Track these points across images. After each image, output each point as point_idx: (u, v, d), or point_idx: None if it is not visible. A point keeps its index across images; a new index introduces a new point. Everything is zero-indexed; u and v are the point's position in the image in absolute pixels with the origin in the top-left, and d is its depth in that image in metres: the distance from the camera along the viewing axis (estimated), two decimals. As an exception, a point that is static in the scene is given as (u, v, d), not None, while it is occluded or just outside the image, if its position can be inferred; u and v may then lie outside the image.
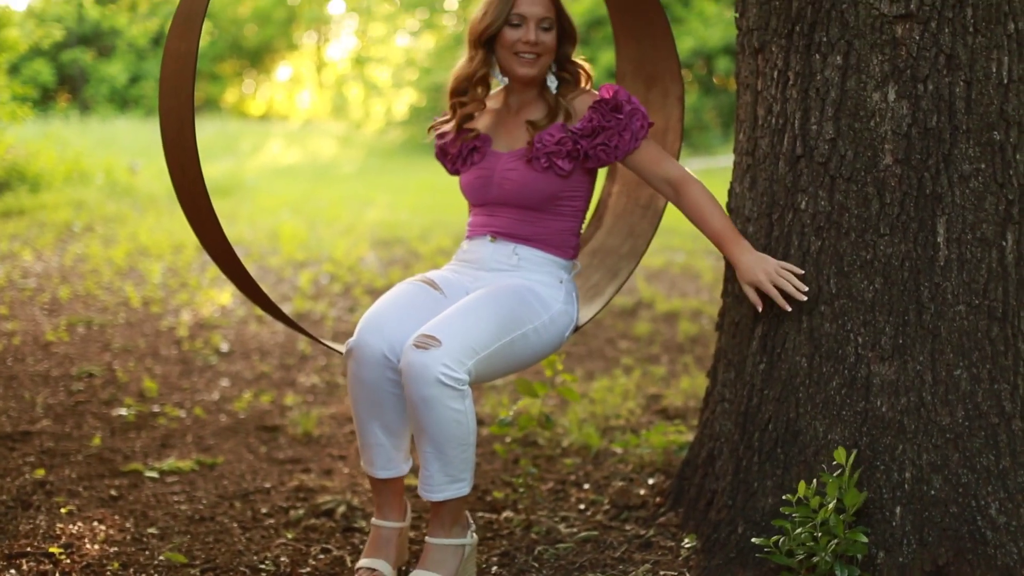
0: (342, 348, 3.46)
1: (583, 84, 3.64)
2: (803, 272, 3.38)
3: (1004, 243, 3.31)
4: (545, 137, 3.49)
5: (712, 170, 18.66)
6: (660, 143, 3.87)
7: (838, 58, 3.35)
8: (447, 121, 3.72)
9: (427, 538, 3.39)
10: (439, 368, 3.15)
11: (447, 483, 3.31)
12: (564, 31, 3.58)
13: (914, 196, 3.28)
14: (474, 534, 3.47)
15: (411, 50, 30.83)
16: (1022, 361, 3.34)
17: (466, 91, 3.67)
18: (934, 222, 3.28)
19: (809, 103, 3.40)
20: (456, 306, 3.37)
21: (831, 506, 3.12)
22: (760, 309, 3.41)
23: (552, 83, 3.58)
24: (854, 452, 3.22)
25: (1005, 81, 3.29)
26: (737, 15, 3.72)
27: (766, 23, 3.53)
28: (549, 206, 3.56)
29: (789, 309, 3.35)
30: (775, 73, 3.51)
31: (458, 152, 3.69)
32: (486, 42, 3.58)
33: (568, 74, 3.60)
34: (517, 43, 3.53)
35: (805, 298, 3.34)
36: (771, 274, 3.38)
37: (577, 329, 3.69)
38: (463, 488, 3.33)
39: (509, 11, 3.52)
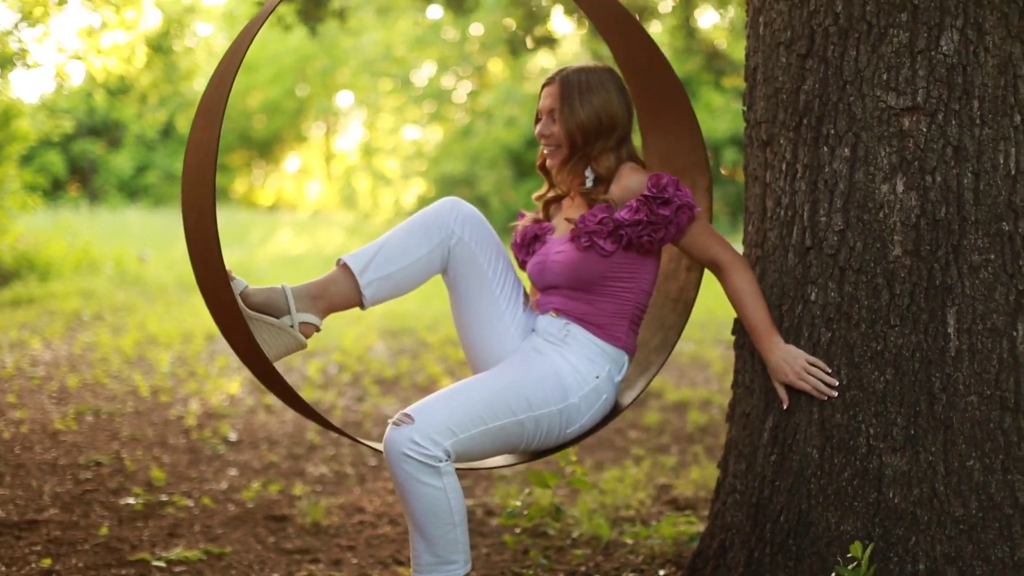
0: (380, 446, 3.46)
1: (620, 179, 3.60)
2: (829, 369, 3.40)
3: (1015, 333, 3.31)
4: (588, 217, 3.50)
5: (719, 260, 18.73)
6: None
7: (846, 150, 3.37)
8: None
9: None
10: (407, 444, 3.20)
11: (435, 564, 3.30)
12: (582, 127, 3.59)
13: (924, 287, 3.29)
14: None
15: (419, 141, 31.05)
16: (1035, 452, 3.33)
17: (543, 173, 3.79)
18: (944, 313, 3.29)
19: (818, 195, 3.42)
20: (453, 385, 3.42)
21: (845, 599, 3.10)
22: (785, 405, 3.45)
23: (590, 180, 3.60)
24: (870, 546, 3.19)
25: (1013, 172, 3.31)
26: (745, 108, 3.75)
27: (774, 116, 3.56)
28: (596, 287, 3.55)
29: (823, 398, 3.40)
30: (783, 165, 3.53)
31: (522, 240, 3.77)
32: None
33: (598, 172, 3.61)
34: (539, 137, 3.62)
35: (835, 394, 3.38)
36: (800, 373, 3.43)
37: (591, 433, 3.64)
38: (455, 570, 3.32)
39: (537, 106, 3.65)
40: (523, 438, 3.44)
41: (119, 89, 20.34)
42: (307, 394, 7.92)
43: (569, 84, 3.56)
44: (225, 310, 3.28)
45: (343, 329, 11.23)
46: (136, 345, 9.95)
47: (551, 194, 3.76)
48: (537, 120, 3.66)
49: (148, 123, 26.09)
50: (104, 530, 4.72)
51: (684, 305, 3.90)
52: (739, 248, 3.66)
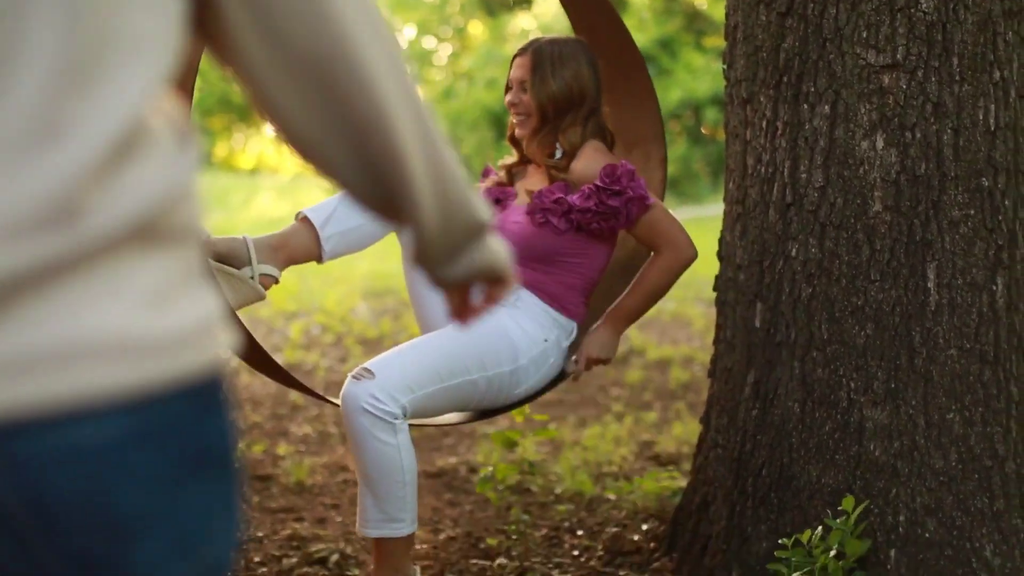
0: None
1: (581, 158, 3.63)
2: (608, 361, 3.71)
3: (995, 287, 3.34)
4: (545, 193, 3.56)
5: (701, 219, 18.68)
6: None
7: (826, 108, 3.39)
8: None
9: None
10: (366, 398, 3.23)
11: (382, 520, 3.35)
12: (553, 98, 3.61)
13: (904, 243, 3.32)
14: None
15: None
16: (1014, 404, 3.37)
17: (513, 144, 3.85)
18: (924, 268, 3.31)
19: (798, 152, 3.44)
20: (410, 342, 3.49)
21: (832, 553, 3.13)
22: (575, 378, 3.72)
23: (559, 152, 3.63)
24: (865, 502, 3.22)
25: (992, 128, 3.33)
26: (725, 67, 3.76)
27: (754, 74, 3.57)
28: (551, 260, 3.61)
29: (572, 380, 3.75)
30: (764, 123, 3.55)
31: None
32: None
33: (562, 147, 3.64)
34: (509, 106, 3.68)
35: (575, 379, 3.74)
36: (598, 360, 3.68)
37: (536, 396, 3.76)
38: (401, 529, 3.36)
39: (508, 76, 3.70)
40: (475, 397, 3.51)
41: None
42: (289, 355, 7.93)
43: (541, 55, 3.59)
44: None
45: (325, 290, 11.24)
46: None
47: (503, 164, 3.84)
48: (508, 89, 3.70)
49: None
50: (89, 491, 4.73)
51: (632, 273, 3.95)
52: (718, 207, 3.68)
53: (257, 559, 4.03)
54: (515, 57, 3.67)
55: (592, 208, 3.49)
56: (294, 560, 4.00)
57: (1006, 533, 3.28)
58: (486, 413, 3.71)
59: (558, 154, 3.61)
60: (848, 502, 3.17)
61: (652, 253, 3.65)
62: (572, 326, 3.70)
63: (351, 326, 9.31)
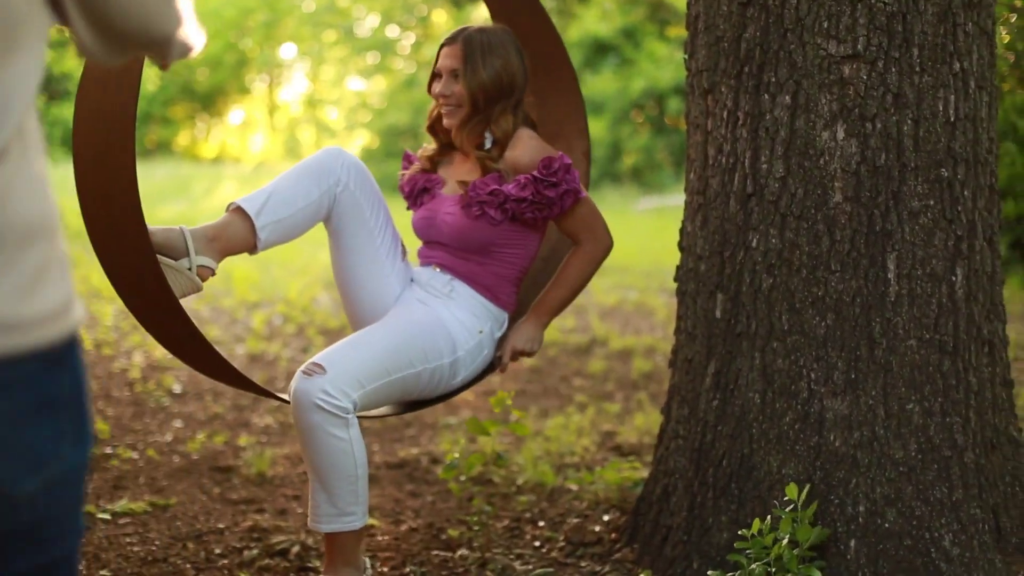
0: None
1: (515, 147, 3.64)
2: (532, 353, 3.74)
3: (954, 278, 3.35)
4: (479, 186, 3.58)
5: (664, 208, 18.75)
6: None
7: (787, 98, 3.39)
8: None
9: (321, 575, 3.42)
10: (318, 394, 3.23)
11: (334, 515, 3.36)
12: (484, 87, 3.61)
13: (864, 233, 3.32)
14: None
15: (363, 92, 30.85)
16: (973, 394, 3.38)
17: (432, 134, 3.84)
18: (884, 258, 3.32)
19: (759, 142, 3.44)
20: (353, 336, 3.47)
21: (785, 542, 3.14)
22: (501, 370, 3.73)
23: (489, 140, 3.64)
24: (807, 487, 3.24)
25: (952, 119, 3.34)
26: (687, 56, 3.76)
27: (715, 64, 3.57)
28: (485, 251, 3.64)
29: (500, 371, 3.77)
30: (725, 113, 3.55)
31: (410, 191, 3.80)
32: None
33: (494, 135, 3.64)
34: (438, 96, 3.66)
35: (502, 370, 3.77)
36: (521, 352, 3.71)
37: (468, 387, 3.78)
38: (353, 522, 3.37)
39: (435, 66, 3.69)
40: (416, 388, 3.55)
41: (59, 43, 20.09)
42: (251, 345, 7.90)
43: (472, 44, 3.60)
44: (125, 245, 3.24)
45: (288, 280, 11.20)
46: (79, 298, 9.89)
47: (424, 153, 3.85)
48: (433, 79, 3.70)
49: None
50: (48, 482, 4.69)
51: (556, 264, 3.99)
52: (681, 197, 3.69)
53: (218, 551, 4.02)
54: (442, 47, 3.67)
55: (528, 198, 3.52)
56: (255, 552, 3.98)
57: (965, 523, 3.30)
58: (416, 404, 3.72)
59: (487, 143, 3.62)
60: (792, 490, 3.17)
61: (573, 245, 3.70)
62: (504, 317, 3.75)
63: (313, 316, 9.27)
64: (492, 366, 3.78)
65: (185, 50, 1.95)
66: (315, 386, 3.24)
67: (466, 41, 3.60)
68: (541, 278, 3.96)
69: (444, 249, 3.68)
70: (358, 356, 3.34)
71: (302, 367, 3.32)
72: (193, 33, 1.88)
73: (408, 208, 3.87)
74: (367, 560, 3.51)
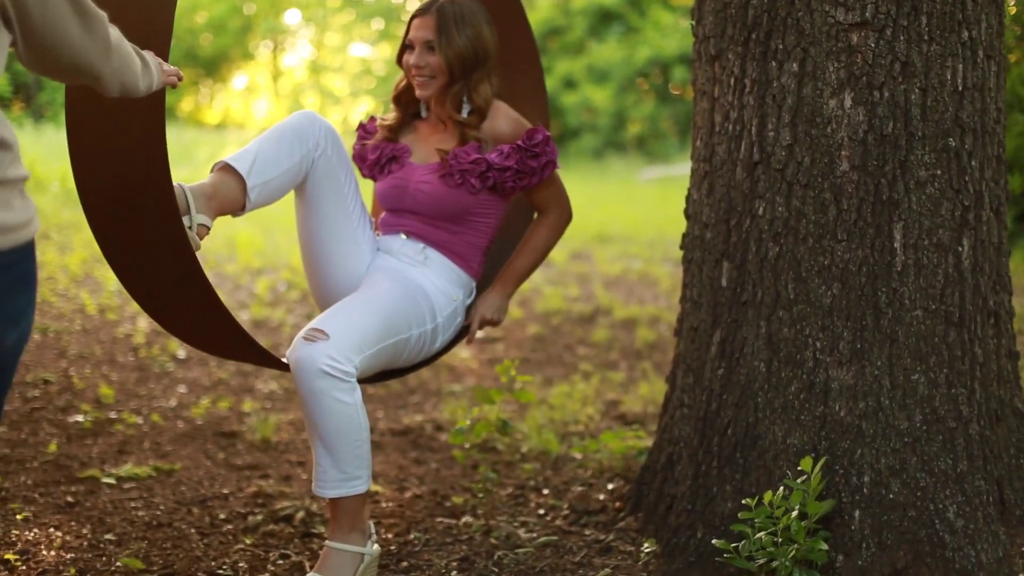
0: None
1: (494, 118, 3.67)
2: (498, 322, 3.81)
3: (960, 248, 3.34)
4: (460, 155, 3.61)
5: (669, 178, 18.72)
6: None
7: (794, 65, 3.37)
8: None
9: (327, 541, 3.41)
10: (324, 360, 3.23)
11: (341, 480, 3.36)
12: (461, 56, 3.61)
13: (871, 202, 3.31)
14: (376, 545, 3.48)
15: (367, 59, 30.76)
16: (978, 365, 3.38)
17: (397, 105, 3.85)
18: (891, 228, 3.31)
19: (766, 110, 3.42)
20: (348, 300, 3.46)
21: (794, 513, 3.14)
22: (468, 340, 3.81)
23: (466, 110, 3.64)
24: (822, 460, 3.22)
25: (960, 88, 3.33)
26: (694, 23, 3.74)
27: (722, 31, 3.55)
28: (460, 219, 3.68)
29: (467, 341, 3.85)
30: (732, 80, 3.53)
31: (376, 159, 3.82)
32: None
33: (475, 103, 3.65)
34: (411, 68, 3.67)
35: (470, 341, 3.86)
36: (489, 320, 3.79)
37: (440, 355, 3.83)
38: (358, 486, 3.37)
39: (406, 37, 3.71)
40: (403, 354, 3.57)
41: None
42: (256, 311, 7.89)
43: (445, 15, 3.63)
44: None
45: (291, 246, 11.18)
46: (83, 263, 9.88)
47: (389, 121, 3.85)
48: (404, 51, 3.72)
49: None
50: (53, 447, 4.71)
51: (512, 236, 4.04)
52: (686, 167, 3.69)
53: (222, 516, 4.02)
54: (413, 18, 3.67)
55: (512, 166, 3.59)
56: (259, 517, 3.99)
57: (969, 495, 3.29)
58: (393, 373, 3.73)
59: (465, 112, 3.63)
60: (807, 463, 3.17)
61: (537, 215, 3.80)
62: (472, 285, 3.81)
63: (317, 283, 9.26)
64: (459, 335, 3.81)
65: (125, 91, 2.53)
66: (320, 352, 3.23)
67: (439, 12, 3.62)
68: (496, 248, 4.01)
69: (415, 217, 3.70)
70: (359, 321, 3.34)
71: (302, 332, 3.30)
72: (135, 77, 2.53)
73: (366, 176, 3.87)
74: (371, 525, 3.51)
